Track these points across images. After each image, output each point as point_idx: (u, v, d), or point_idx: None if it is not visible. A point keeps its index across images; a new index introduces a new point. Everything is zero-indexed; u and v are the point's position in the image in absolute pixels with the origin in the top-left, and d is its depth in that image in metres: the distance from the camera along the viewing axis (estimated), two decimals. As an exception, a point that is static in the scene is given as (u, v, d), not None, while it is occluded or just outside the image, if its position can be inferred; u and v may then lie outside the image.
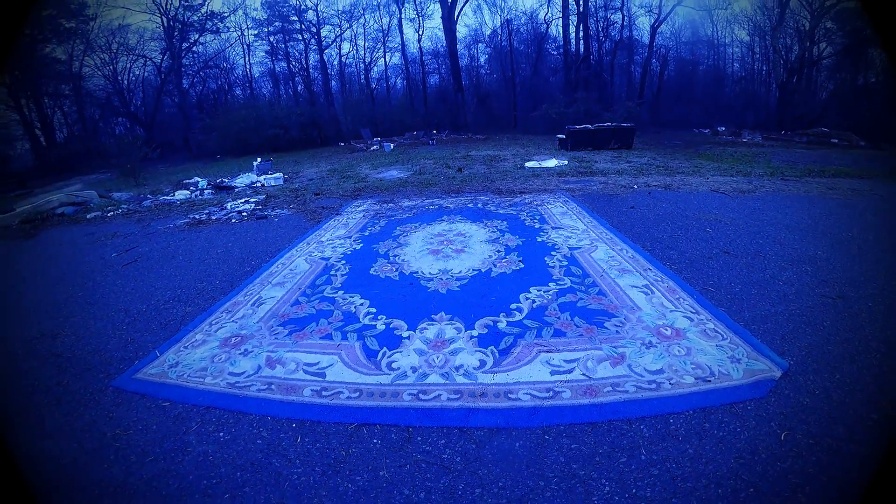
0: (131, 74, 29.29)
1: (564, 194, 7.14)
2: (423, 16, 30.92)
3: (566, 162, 11.18)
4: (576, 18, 27.15)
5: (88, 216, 8.47)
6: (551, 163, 10.89)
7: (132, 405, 2.43)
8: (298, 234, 5.72)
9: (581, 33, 27.19)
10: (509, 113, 29.04)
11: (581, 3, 26.78)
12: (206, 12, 29.13)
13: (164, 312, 3.66)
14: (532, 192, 7.44)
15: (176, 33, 28.29)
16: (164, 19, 28.03)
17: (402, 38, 31.20)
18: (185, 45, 28.94)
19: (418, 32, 31.61)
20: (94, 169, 17.10)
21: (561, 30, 27.94)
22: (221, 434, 2.14)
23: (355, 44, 31.92)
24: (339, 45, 31.57)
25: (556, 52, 30.04)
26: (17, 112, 24.71)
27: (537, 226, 5.41)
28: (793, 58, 26.17)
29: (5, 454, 1.79)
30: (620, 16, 28.05)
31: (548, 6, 29.76)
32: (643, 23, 29.09)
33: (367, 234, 5.52)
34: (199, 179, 11.67)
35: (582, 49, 27.22)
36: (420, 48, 31.20)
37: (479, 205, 6.67)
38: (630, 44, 28.75)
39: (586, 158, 12.04)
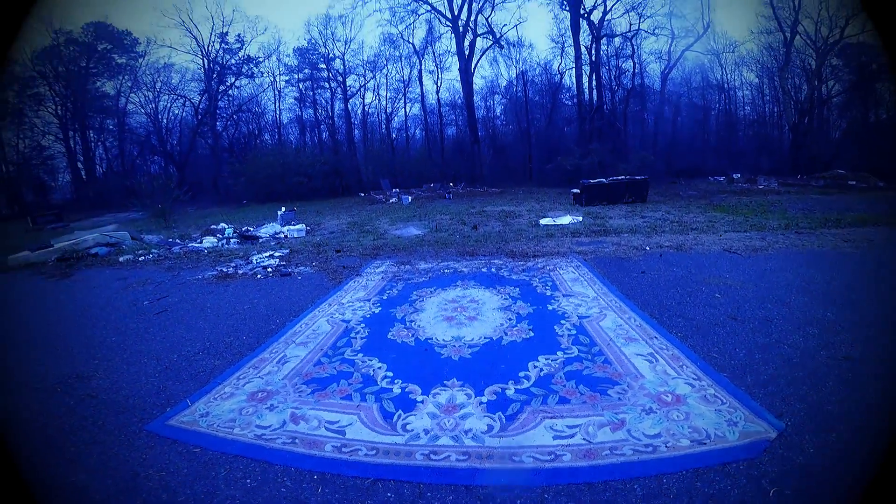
0: (170, 113, 31.01)
1: (577, 258, 7.35)
2: (441, 68, 32.52)
3: (581, 218, 11.43)
4: (588, 68, 28.09)
5: (121, 259, 8.97)
6: (566, 220, 11.16)
7: (164, 449, 2.65)
8: (321, 294, 6.00)
9: (594, 82, 28.09)
10: (525, 165, 29.73)
11: (593, 53, 27.78)
12: (244, 56, 31.24)
13: (194, 363, 3.91)
14: (545, 255, 7.66)
15: (215, 75, 30.13)
16: (206, 61, 30.04)
17: (421, 88, 32.74)
18: (222, 87, 30.67)
19: (437, 84, 32.93)
20: (128, 206, 18.01)
21: (574, 80, 28.94)
22: (248, 481, 2.33)
23: (378, 93, 33.54)
24: (363, 95, 33.24)
25: (570, 102, 30.96)
26: (64, 144, 26.17)
27: (549, 293, 5.59)
28: (802, 97, 26.59)
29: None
30: (632, 63, 29.01)
31: (561, 56, 31.07)
32: (654, 69, 30.17)
33: (385, 297, 5.77)
34: (226, 227, 12.22)
35: (595, 98, 27.99)
36: (438, 99, 32.66)
37: (493, 269, 6.90)
38: (642, 91, 29.58)
39: (601, 214, 12.26)
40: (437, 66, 32.50)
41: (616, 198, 14.54)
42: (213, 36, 30.40)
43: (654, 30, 28.96)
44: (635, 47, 29.40)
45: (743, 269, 6.22)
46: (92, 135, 28.34)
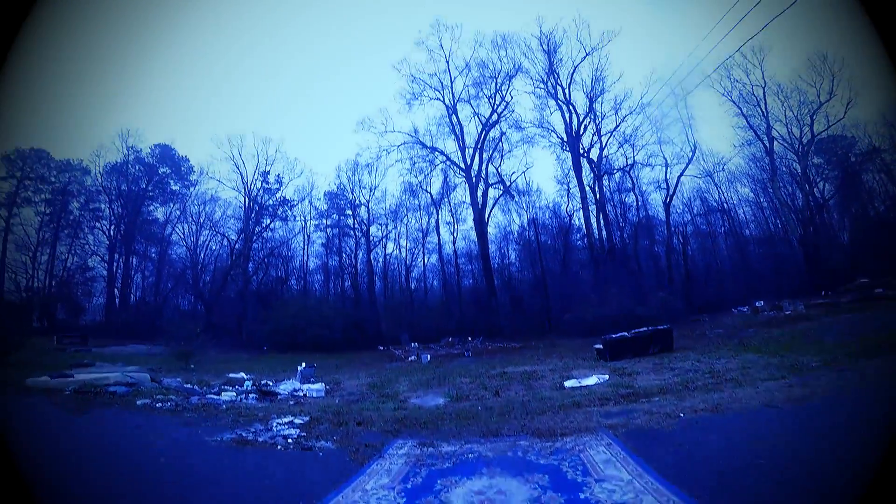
0: (208, 249, 33.00)
1: (607, 435, 7.01)
2: (457, 219, 35.02)
3: (606, 376, 11.11)
4: (595, 207, 29.75)
5: (138, 402, 8.92)
6: (591, 380, 10.87)
7: None
8: (344, 478, 5.77)
9: (601, 221, 29.48)
10: (542, 314, 29.86)
11: (597, 190, 29.63)
12: (280, 198, 34.08)
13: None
14: (573, 432, 7.32)
15: (253, 215, 32.60)
16: (247, 199, 32.75)
17: (438, 239, 34.83)
18: (257, 228, 32.96)
19: (453, 235, 35.04)
20: (153, 339, 18.35)
21: (583, 220, 30.74)
22: None
23: (398, 243, 35.72)
24: (385, 245, 35.29)
25: (581, 244, 32.14)
26: (107, 268, 27.62)
27: (580, 479, 5.27)
28: (800, 205, 27.02)
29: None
30: (634, 197, 30.56)
31: (567, 197, 33.31)
32: (656, 199, 31.65)
33: (409, 485, 5.49)
34: (245, 378, 12.24)
35: (605, 236, 29.09)
36: (455, 250, 34.54)
37: (520, 452, 6.59)
38: (648, 224, 30.72)
39: (627, 370, 11.85)
40: (453, 216, 35.22)
41: (641, 350, 14.17)
42: (256, 174, 33.82)
43: (648, 159, 31.38)
44: (634, 179, 31.65)
45: (787, 425, 5.87)
46: (134, 261, 30.09)
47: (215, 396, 10.34)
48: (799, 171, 27.81)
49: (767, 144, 28.65)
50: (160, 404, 9.02)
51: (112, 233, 28.97)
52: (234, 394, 10.67)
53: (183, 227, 32.18)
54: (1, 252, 26.89)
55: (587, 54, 32.03)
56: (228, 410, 9.10)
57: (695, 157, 30.52)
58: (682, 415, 7.41)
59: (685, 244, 30.97)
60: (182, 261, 31.43)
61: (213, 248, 33.41)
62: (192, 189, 33.64)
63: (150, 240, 30.58)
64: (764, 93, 28.98)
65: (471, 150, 33.05)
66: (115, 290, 28.68)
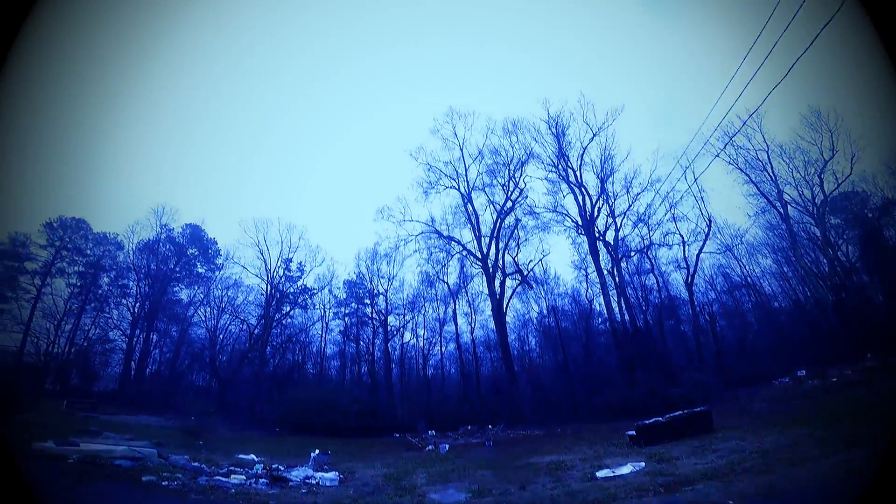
0: (228, 331, 33.11)
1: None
2: (475, 310, 35.06)
3: (643, 464, 10.18)
4: (615, 291, 29.01)
5: (143, 479, 8.46)
6: (626, 469, 9.93)
7: None
8: None
9: (623, 304, 28.60)
10: (566, 399, 28.47)
11: (615, 274, 29.03)
12: (301, 286, 34.65)
13: None
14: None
15: (274, 302, 33.04)
16: (269, 287, 33.33)
17: (456, 328, 34.64)
18: (277, 315, 33.24)
19: (471, 325, 34.80)
20: (165, 411, 17.82)
21: (604, 305, 29.78)
22: None
23: (415, 332, 35.75)
24: (402, 334, 35.29)
25: (603, 327, 31.14)
26: (127, 342, 27.93)
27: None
28: (826, 270, 25.72)
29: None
30: (654, 279, 29.81)
31: (586, 282, 32.86)
32: (677, 279, 30.78)
33: None
34: (256, 460, 11.64)
35: (627, 319, 28.10)
36: (473, 339, 34.11)
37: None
38: (672, 304, 29.68)
39: (665, 455, 10.78)
40: (471, 307, 35.31)
41: (678, 434, 13.02)
42: (279, 260, 34.88)
43: (664, 238, 30.87)
44: (653, 260, 31.04)
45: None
46: (154, 337, 30.35)
47: (224, 479, 9.76)
48: (818, 234, 27.10)
49: (781, 210, 28.13)
50: (166, 483, 8.55)
51: (136, 309, 29.55)
52: (244, 477, 10.07)
53: (205, 311, 32.78)
54: (27, 317, 27.57)
55: (594, 135, 33.02)
56: (237, 495, 8.56)
57: (711, 232, 30.12)
58: (731, 502, 6.67)
59: (713, 321, 29.77)
60: (201, 341, 31.58)
61: (233, 330, 33.80)
62: (217, 273, 34.66)
63: (172, 319, 31.02)
64: (768, 156, 28.88)
65: (487, 239, 33.59)
66: (132, 363, 28.65)
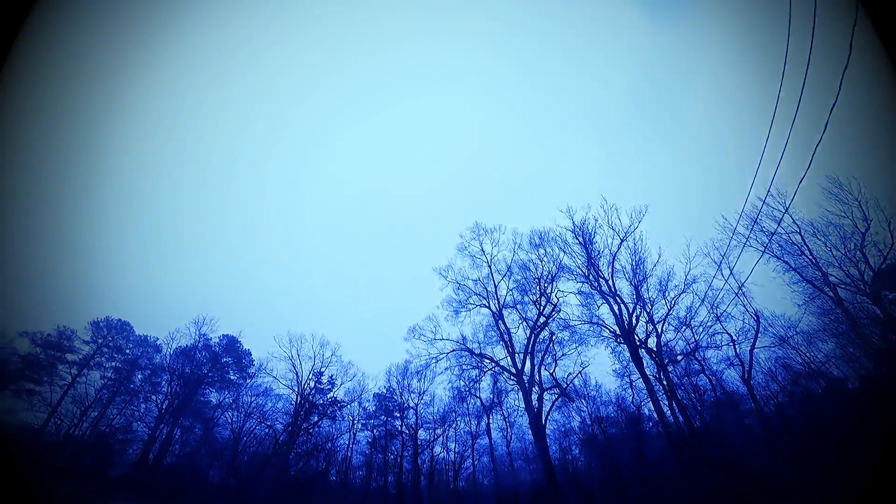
0: (253, 434, 31.76)
1: None
2: (510, 423, 33.13)
3: None
4: (665, 396, 26.60)
5: None
6: None
7: None
8: None
9: (675, 406, 25.98)
10: (620, 507, 24.70)
11: (663, 379, 26.80)
12: (331, 398, 33.83)
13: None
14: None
15: (302, 412, 32.19)
16: (298, 397, 32.78)
17: (490, 441, 32.60)
18: (304, 425, 32.13)
19: (507, 437, 32.79)
20: (177, 502, 16.13)
21: (654, 409, 27.13)
22: None
23: (446, 446, 33.96)
24: (432, 448, 33.67)
25: (655, 430, 28.41)
26: (148, 432, 27.37)
27: None
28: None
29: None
30: (706, 379, 27.30)
31: (632, 390, 30.30)
32: (731, 375, 28.12)
33: None
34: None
35: (681, 420, 25.36)
36: (510, 452, 31.94)
37: None
38: (730, 400, 27.05)
39: None
40: (506, 421, 33.30)
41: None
42: (310, 374, 34.47)
43: (711, 338, 28.69)
44: (703, 362, 28.58)
45: None
46: (178, 433, 29.18)
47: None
48: (880, 313, 24.80)
49: (832, 294, 26.36)
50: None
51: (164, 406, 29.07)
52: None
53: (232, 414, 31.99)
54: (57, 401, 27.54)
55: (622, 240, 32.74)
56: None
57: (761, 328, 28.29)
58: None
59: (781, 412, 26.37)
60: (224, 441, 30.18)
61: (258, 434, 32.55)
62: (248, 381, 34.49)
63: (198, 418, 30.20)
64: (803, 238, 27.64)
65: (521, 355, 32.45)
66: (151, 454, 27.08)
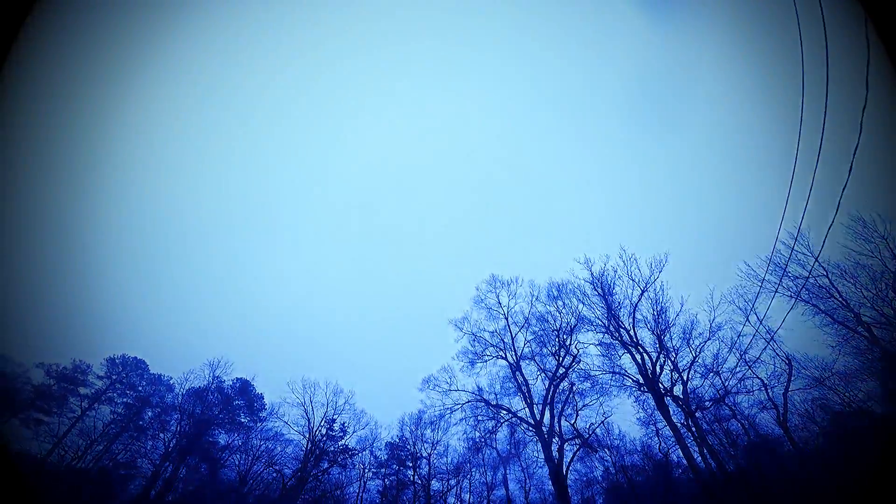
0: (260, 478, 31.07)
1: None
2: (529, 474, 31.65)
3: None
4: (695, 443, 25.12)
5: None
6: None
7: None
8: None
9: (706, 453, 24.38)
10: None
11: (692, 425, 25.42)
12: (343, 445, 33.04)
13: None
14: None
15: (313, 458, 31.39)
16: (309, 443, 32.14)
17: (507, 493, 31.42)
18: (314, 471, 31.42)
19: (525, 489, 31.54)
20: None
21: (682, 455, 25.55)
22: None
23: (460, 497, 32.76)
24: (445, 499, 32.72)
25: (685, 476, 26.77)
26: (152, 468, 27.00)
27: None
28: None
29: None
30: (738, 423, 25.67)
31: (658, 438, 28.54)
32: (765, 418, 26.54)
33: None
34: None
35: (714, 465, 23.69)
36: (528, 502, 30.97)
37: None
38: (765, 443, 25.50)
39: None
40: (524, 472, 31.87)
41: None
42: (322, 420, 33.78)
43: (740, 383, 27.17)
44: (733, 407, 27.06)
45: None
46: (183, 472, 28.41)
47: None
48: None
49: (867, 334, 25.03)
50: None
51: (171, 444, 28.47)
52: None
53: (240, 456, 31.14)
54: (64, 432, 27.24)
55: (643, 291, 31.67)
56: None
57: (794, 371, 26.96)
58: None
59: (821, 452, 24.41)
60: (230, 482, 29.17)
61: (265, 478, 31.33)
62: (259, 424, 33.95)
63: (205, 458, 29.43)
64: (830, 281, 26.56)
65: (539, 406, 31.29)
66: (153, 491, 26.22)
